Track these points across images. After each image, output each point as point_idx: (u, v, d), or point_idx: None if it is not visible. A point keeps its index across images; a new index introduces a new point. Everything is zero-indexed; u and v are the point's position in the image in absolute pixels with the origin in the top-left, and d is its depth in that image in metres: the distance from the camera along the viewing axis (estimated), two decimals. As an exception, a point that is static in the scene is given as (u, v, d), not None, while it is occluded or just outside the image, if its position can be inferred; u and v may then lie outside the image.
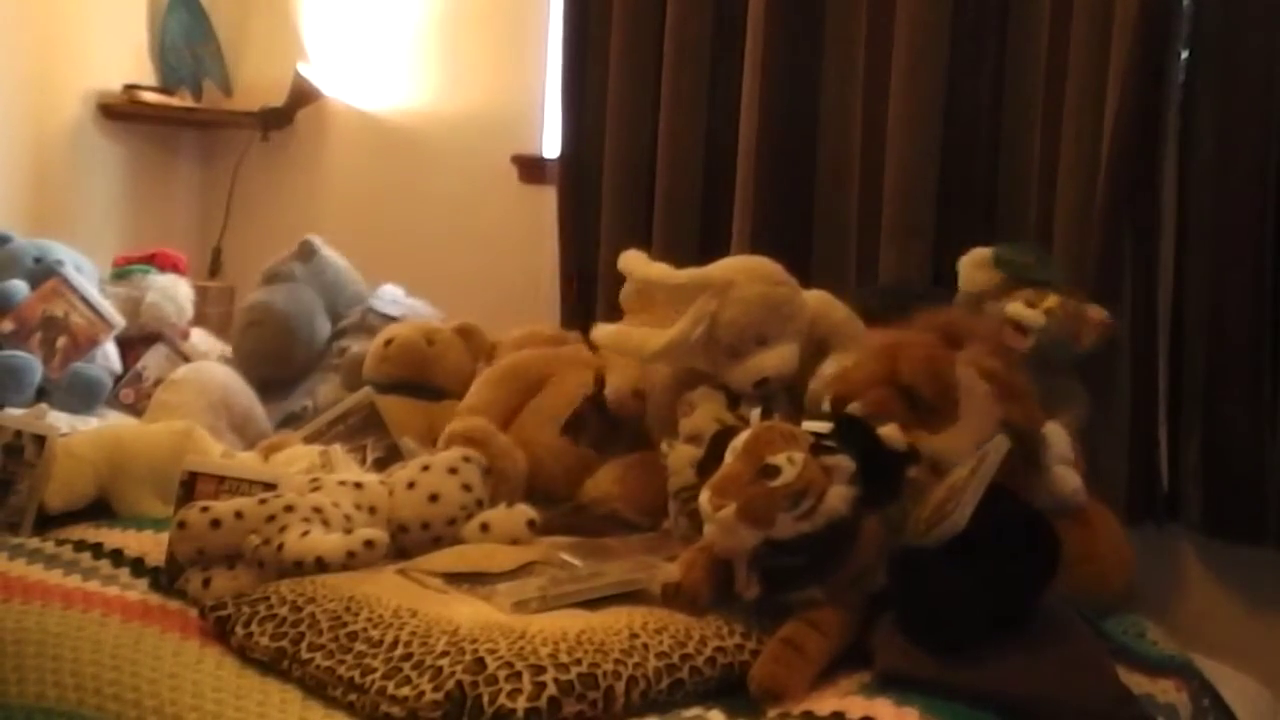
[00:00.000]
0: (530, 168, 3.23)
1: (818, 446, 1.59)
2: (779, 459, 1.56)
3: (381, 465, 2.17)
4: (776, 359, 2.00)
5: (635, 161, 2.83)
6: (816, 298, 2.13)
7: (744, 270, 2.09)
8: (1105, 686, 1.56)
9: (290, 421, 2.69)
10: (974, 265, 2.19)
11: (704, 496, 1.59)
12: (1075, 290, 2.13)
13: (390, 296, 2.95)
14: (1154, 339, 2.24)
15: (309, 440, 2.30)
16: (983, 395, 1.80)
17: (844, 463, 1.57)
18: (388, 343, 2.61)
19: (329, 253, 3.01)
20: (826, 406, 1.85)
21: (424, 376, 2.58)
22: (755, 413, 1.77)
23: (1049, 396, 1.98)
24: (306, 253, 2.96)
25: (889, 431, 1.65)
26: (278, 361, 2.80)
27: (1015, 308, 2.08)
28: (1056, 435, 1.90)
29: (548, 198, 3.05)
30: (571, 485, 2.23)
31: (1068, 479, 1.89)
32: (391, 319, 2.87)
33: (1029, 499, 1.76)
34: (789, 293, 2.07)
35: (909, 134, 2.45)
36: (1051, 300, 2.07)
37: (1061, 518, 1.82)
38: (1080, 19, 2.27)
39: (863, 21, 2.56)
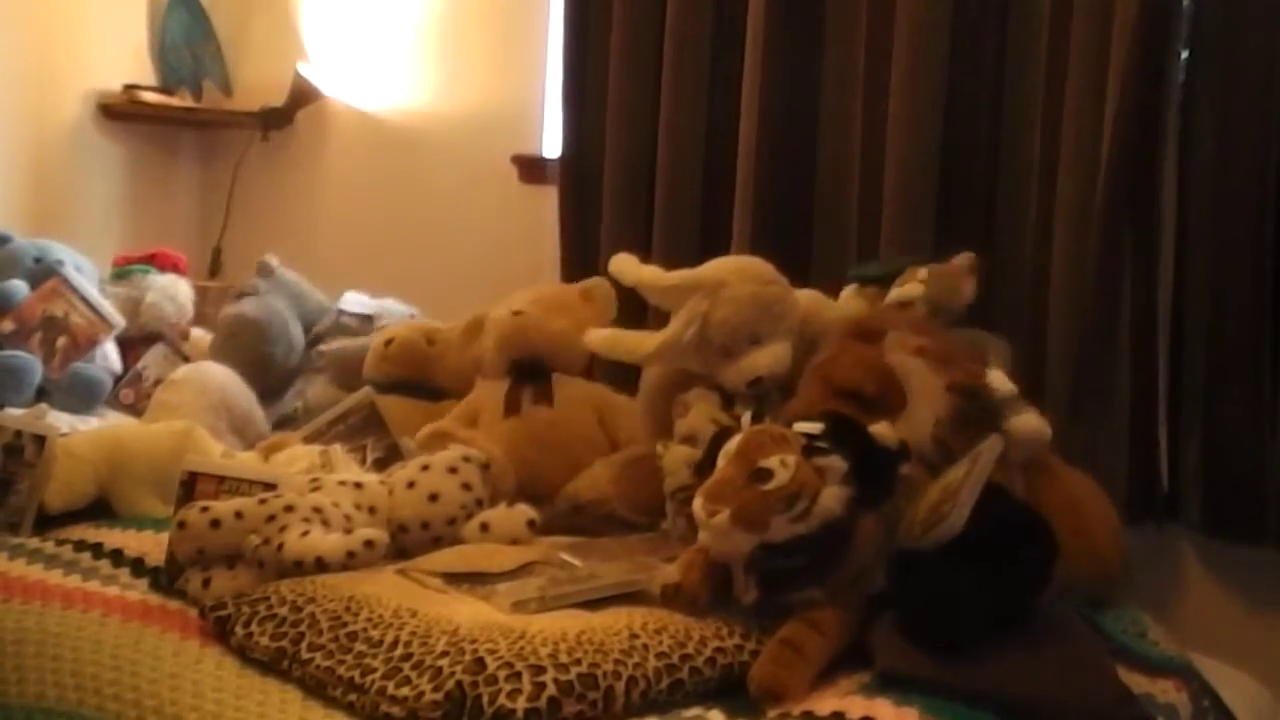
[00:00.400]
0: (530, 168, 3.23)
1: (809, 448, 1.59)
2: (771, 462, 1.56)
3: (381, 465, 2.17)
4: (770, 358, 2.01)
5: (635, 161, 2.84)
6: (808, 297, 2.14)
7: (735, 270, 2.09)
8: (1105, 686, 1.56)
9: (284, 424, 2.70)
10: (846, 299, 2.26)
11: (697, 503, 1.59)
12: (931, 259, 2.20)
13: (356, 299, 2.97)
14: (1154, 339, 2.24)
15: (309, 440, 2.30)
16: (920, 371, 1.81)
17: (836, 463, 1.57)
18: (388, 343, 2.61)
19: (286, 271, 3.05)
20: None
21: (424, 376, 2.58)
22: (746, 416, 1.77)
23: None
24: (265, 270, 3.00)
25: (880, 429, 1.66)
26: (259, 368, 2.81)
27: (895, 293, 2.13)
28: (1000, 382, 1.89)
29: (548, 198, 3.05)
30: (545, 454, 2.25)
31: (1029, 421, 1.87)
32: (365, 317, 2.89)
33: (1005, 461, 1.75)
34: (780, 292, 2.08)
35: (909, 134, 2.45)
36: (920, 272, 2.13)
37: (1038, 475, 1.84)
38: (1080, 19, 2.27)
39: (863, 21, 2.56)
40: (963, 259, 2.19)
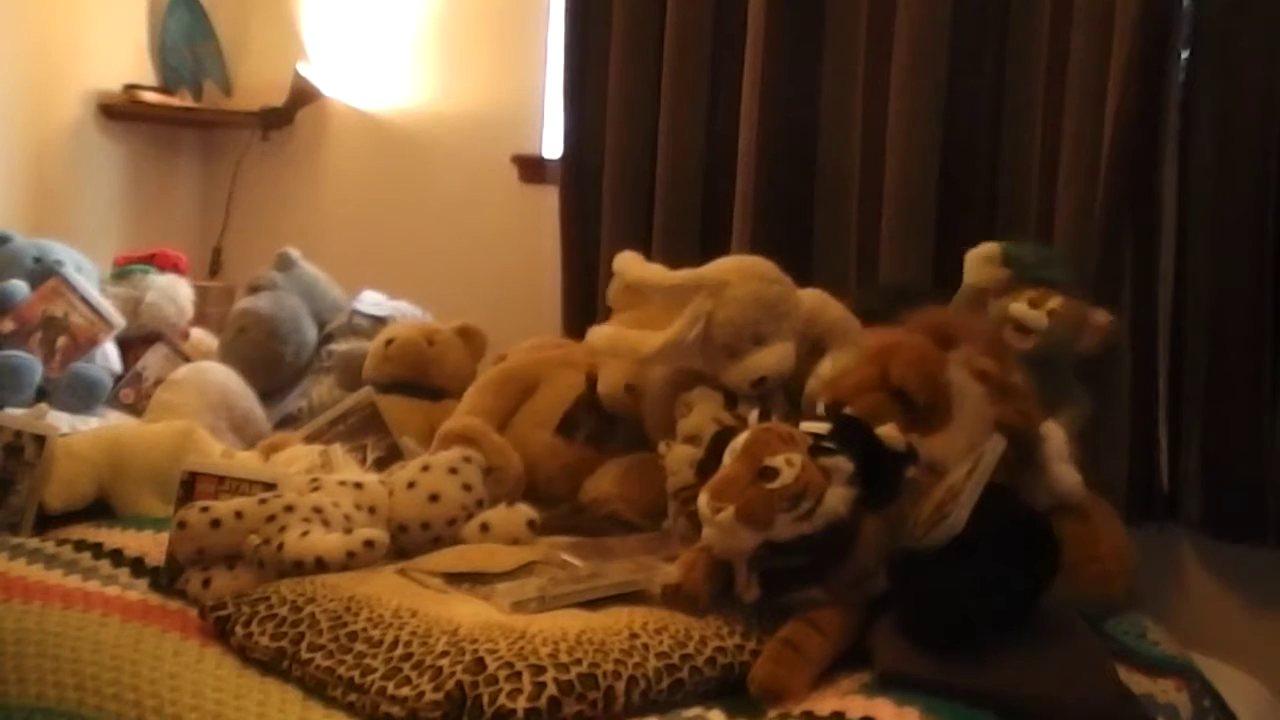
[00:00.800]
0: (530, 168, 3.23)
1: (816, 448, 1.59)
2: (777, 461, 1.56)
3: (381, 465, 2.17)
4: (773, 358, 2.00)
5: (635, 161, 2.84)
6: (812, 296, 2.13)
7: (738, 270, 2.09)
8: (1106, 686, 1.56)
9: (287, 423, 2.70)
10: (981, 260, 2.17)
11: (702, 499, 1.59)
12: (1079, 291, 2.13)
13: (372, 300, 2.97)
14: (1154, 339, 2.24)
15: (309, 440, 2.30)
16: (976, 396, 1.80)
17: (842, 464, 1.57)
18: (388, 343, 2.61)
19: (306, 264, 3.05)
20: (821, 410, 1.85)
21: (424, 376, 2.58)
22: (753, 414, 1.77)
23: (1047, 396, 1.98)
24: (285, 263, 2.99)
25: (887, 431, 1.65)
26: (268, 365, 2.81)
27: (1019, 307, 2.08)
28: (1054, 433, 1.90)
29: (548, 198, 3.05)
30: (569, 485, 2.23)
31: (1066, 476, 1.88)
32: (378, 319, 2.88)
33: (1028, 498, 1.76)
34: (783, 291, 2.07)
35: (909, 134, 2.45)
36: (1055, 301, 2.07)
37: (1062, 516, 1.83)
38: (1080, 19, 2.27)
39: (863, 21, 2.56)
40: (1102, 316, 2.11)
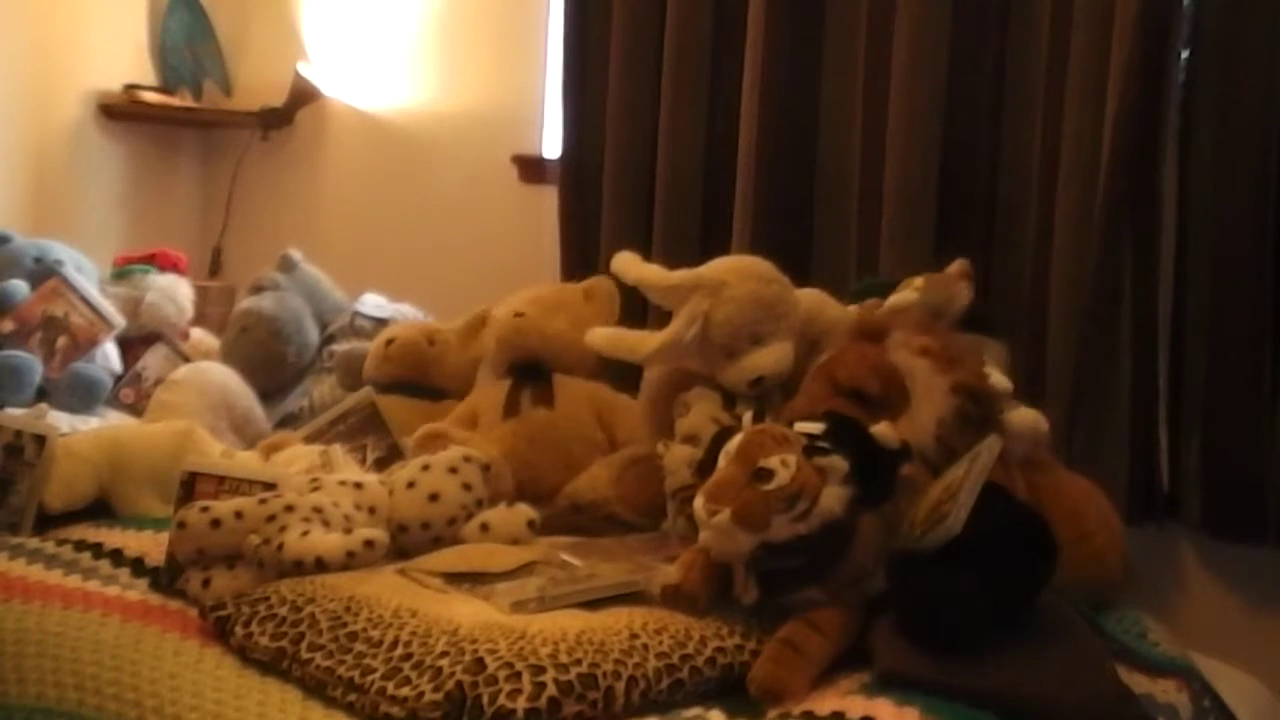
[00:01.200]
0: (530, 168, 3.23)
1: (810, 448, 1.59)
2: (772, 462, 1.56)
3: (381, 465, 2.17)
4: (771, 357, 2.01)
5: (635, 161, 2.84)
6: (810, 296, 2.13)
7: (735, 270, 2.09)
8: (1105, 686, 1.56)
9: (288, 422, 2.70)
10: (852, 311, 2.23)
11: (698, 502, 1.59)
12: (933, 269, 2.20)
13: (374, 302, 2.97)
14: (1154, 339, 2.25)
15: (309, 440, 2.30)
16: (924, 371, 1.80)
17: (837, 463, 1.57)
18: (389, 343, 2.61)
19: (308, 266, 3.06)
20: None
21: (424, 376, 2.58)
22: (747, 415, 1.77)
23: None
24: (288, 265, 3.00)
25: (881, 429, 1.65)
26: (270, 365, 2.81)
27: (891, 299, 2.14)
28: (997, 380, 1.90)
29: (548, 198, 3.05)
30: (539, 455, 2.25)
31: (1024, 416, 1.89)
32: (379, 321, 2.88)
33: (1001, 454, 1.75)
34: (781, 290, 2.07)
35: (909, 134, 2.45)
36: (916, 281, 2.14)
37: (1037, 470, 1.85)
38: (1080, 19, 2.27)
39: (863, 21, 2.56)
40: (956, 265, 2.19)
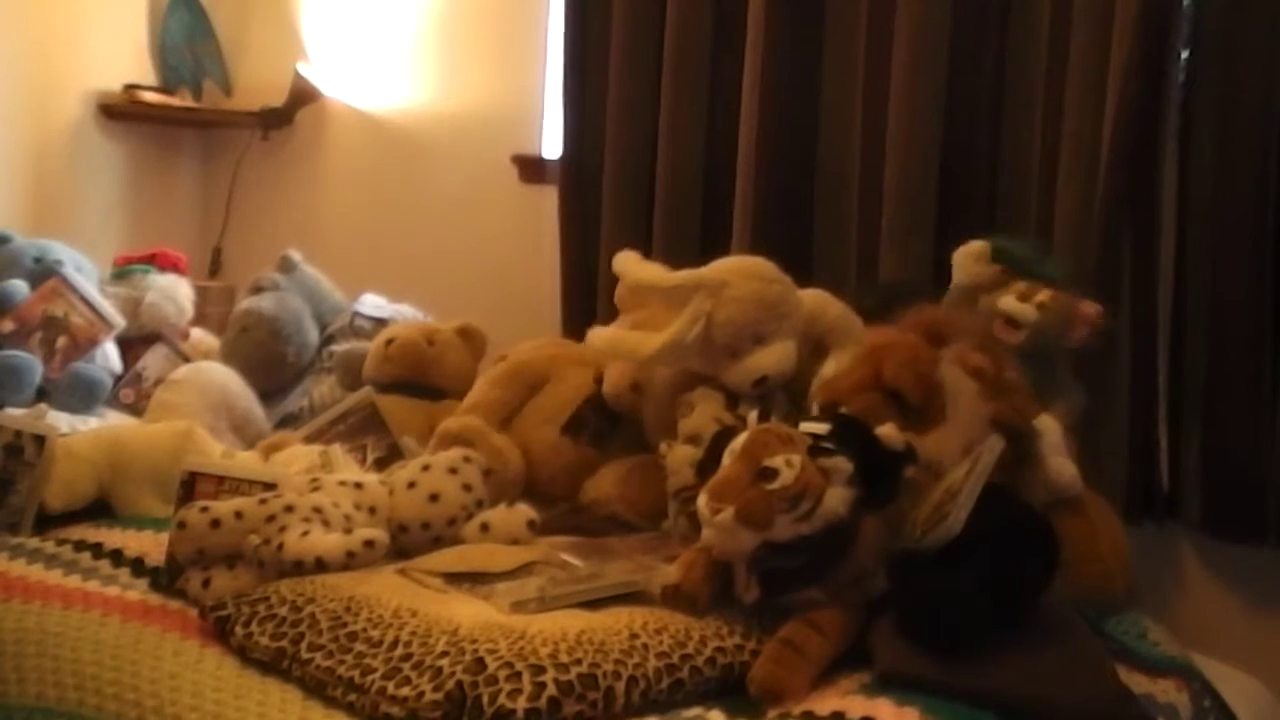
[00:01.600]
0: (530, 168, 3.23)
1: (815, 448, 1.59)
2: (776, 461, 1.56)
3: (381, 465, 2.17)
4: (774, 357, 2.00)
5: (635, 161, 2.84)
6: (812, 296, 2.13)
7: (737, 270, 2.09)
8: (1105, 686, 1.56)
9: (288, 422, 2.70)
10: (970, 258, 2.16)
11: (702, 500, 1.59)
12: (1070, 285, 2.12)
13: (374, 302, 2.98)
14: (1154, 339, 2.24)
15: (309, 440, 2.30)
16: (969, 394, 1.80)
17: (841, 464, 1.57)
18: (389, 342, 2.61)
19: (308, 267, 3.06)
20: (816, 411, 1.85)
21: (424, 376, 2.58)
22: (752, 415, 1.77)
23: (1040, 390, 1.98)
24: (287, 265, 3.00)
25: (886, 431, 1.65)
26: (270, 365, 2.81)
27: (1008, 301, 2.07)
28: (1049, 427, 1.90)
29: (548, 198, 3.05)
30: (572, 484, 2.23)
31: (1063, 470, 1.89)
32: (379, 321, 2.89)
33: (1026, 494, 1.76)
34: (783, 290, 2.07)
35: (909, 134, 2.45)
36: (1044, 295, 2.07)
37: (1061, 512, 1.83)
38: (1080, 19, 2.27)
39: (863, 21, 2.56)
40: (1091, 308, 2.09)
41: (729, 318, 2.01)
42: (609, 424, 2.28)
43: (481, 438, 2.19)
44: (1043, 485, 1.85)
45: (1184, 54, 2.23)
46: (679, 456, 1.95)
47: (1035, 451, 1.85)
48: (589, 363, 2.35)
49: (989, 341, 1.97)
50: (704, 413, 2.00)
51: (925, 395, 1.80)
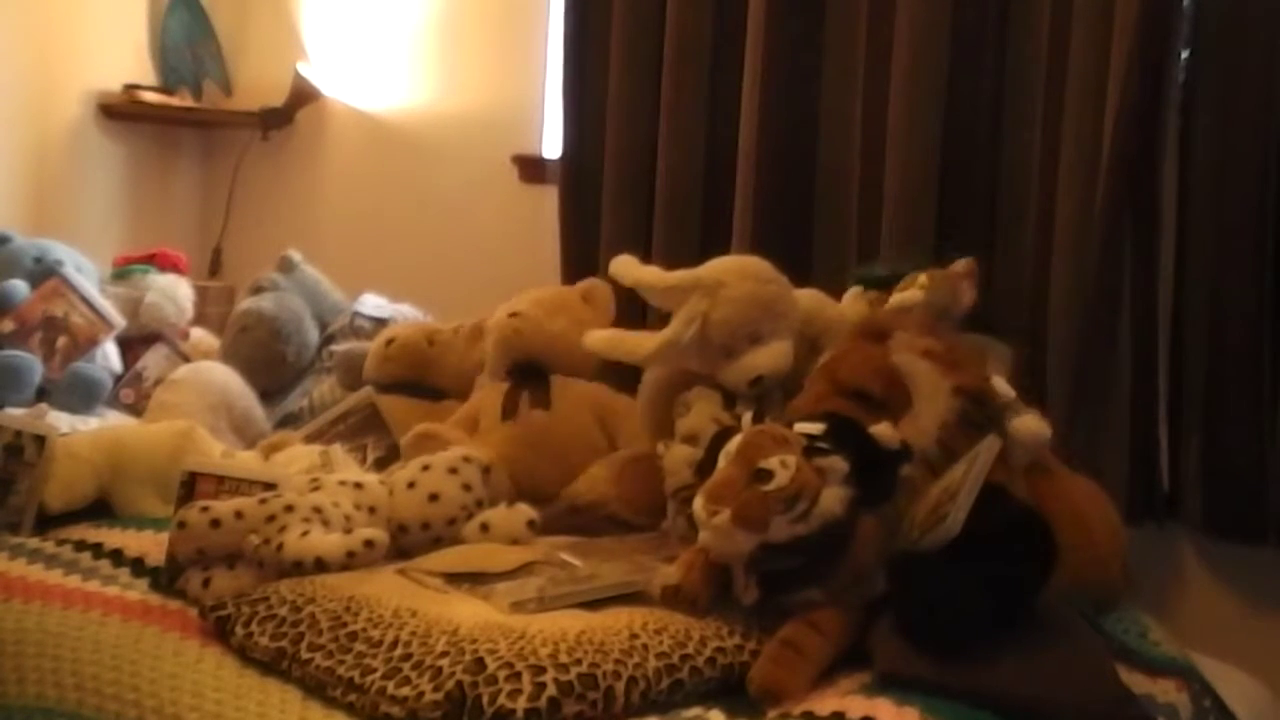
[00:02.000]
0: (530, 168, 3.23)
1: (810, 448, 1.59)
2: (772, 463, 1.56)
3: (381, 465, 2.17)
4: (770, 357, 2.01)
5: (635, 161, 2.83)
6: (808, 296, 2.13)
7: (733, 270, 2.09)
8: (1105, 686, 1.56)
9: (288, 422, 2.71)
10: (850, 301, 2.25)
11: (698, 503, 1.59)
12: (935, 264, 2.18)
13: (374, 303, 2.98)
14: (1154, 339, 2.24)
15: (309, 439, 2.30)
16: (927, 372, 1.80)
17: (837, 464, 1.57)
18: (389, 342, 2.62)
19: (308, 267, 3.07)
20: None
21: (425, 376, 2.58)
22: (747, 416, 1.77)
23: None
24: (287, 265, 3.01)
25: (881, 430, 1.65)
26: (270, 365, 2.82)
27: (895, 299, 2.12)
28: (1003, 388, 1.89)
29: (548, 198, 3.05)
30: (539, 463, 2.25)
31: (1029, 424, 1.88)
32: (379, 321, 2.89)
33: (1002, 458, 1.75)
34: (779, 290, 2.07)
35: (909, 134, 2.45)
36: (920, 278, 2.13)
37: (1039, 475, 1.84)
38: (1080, 19, 2.27)
39: (863, 21, 2.56)
40: (961, 264, 2.17)
41: (725, 318, 2.01)
42: (535, 382, 2.32)
43: (444, 437, 2.20)
44: (1017, 445, 1.84)
45: (1184, 54, 2.22)
46: (676, 456, 1.95)
47: (1000, 413, 1.84)
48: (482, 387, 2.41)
49: (928, 323, 1.98)
50: (701, 412, 2.00)
51: (886, 385, 1.81)
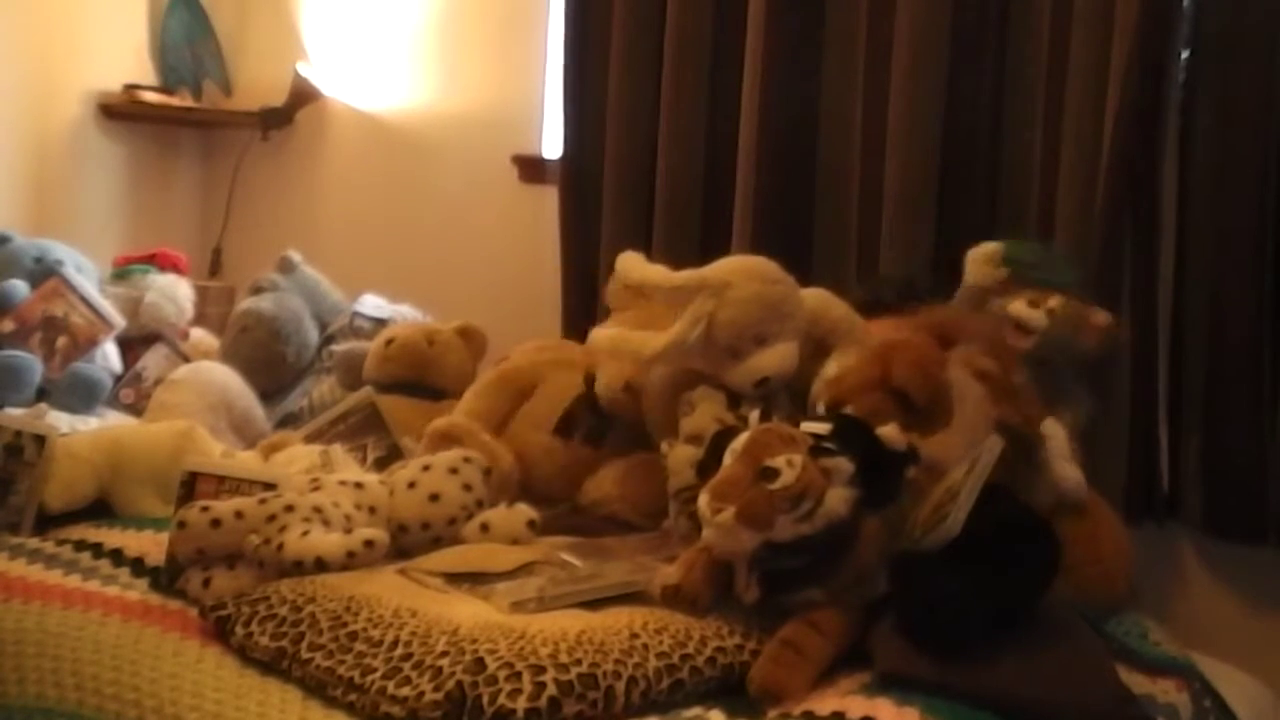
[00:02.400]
0: (530, 168, 3.23)
1: (817, 448, 1.59)
2: (778, 461, 1.56)
3: (381, 465, 2.17)
4: (776, 358, 2.00)
5: (635, 161, 2.83)
6: (815, 296, 2.12)
7: (740, 270, 2.08)
8: (1105, 687, 1.56)
9: (288, 422, 2.70)
10: (982, 260, 2.16)
11: (703, 500, 1.59)
12: (1080, 292, 2.12)
13: (373, 303, 2.98)
14: (1154, 338, 2.24)
15: (309, 439, 2.30)
16: (976, 397, 1.79)
17: (843, 464, 1.57)
18: (388, 342, 2.62)
19: (307, 268, 3.07)
20: (821, 410, 1.85)
21: (424, 376, 2.59)
22: (754, 414, 1.77)
23: (1047, 396, 1.97)
24: (287, 266, 3.01)
25: (888, 432, 1.65)
26: (270, 365, 2.82)
27: (1018, 307, 2.07)
28: (1055, 432, 1.89)
29: (548, 198, 3.05)
30: (567, 485, 2.23)
31: (1068, 475, 1.88)
32: (379, 322, 2.89)
33: (1030, 498, 1.76)
34: (786, 291, 2.06)
35: (909, 134, 2.45)
36: (1054, 301, 2.06)
37: (1065, 515, 1.83)
38: (1080, 19, 2.27)
39: (863, 21, 2.56)
40: (1101, 317, 2.09)
41: (731, 318, 2.01)
42: (602, 422, 2.27)
43: (470, 435, 2.19)
44: (1048, 490, 1.84)
45: (1184, 54, 2.22)
46: (680, 456, 1.95)
47: (1041, 456, 1.84)
48: (578, 365, 2.35)
49: (997, 345, 1.96)
50: (705, 412, 1.99)
51: (932, 397, 1.80)
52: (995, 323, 2.07)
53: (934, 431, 1.76)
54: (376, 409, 2.34)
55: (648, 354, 2.06)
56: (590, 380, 2.26)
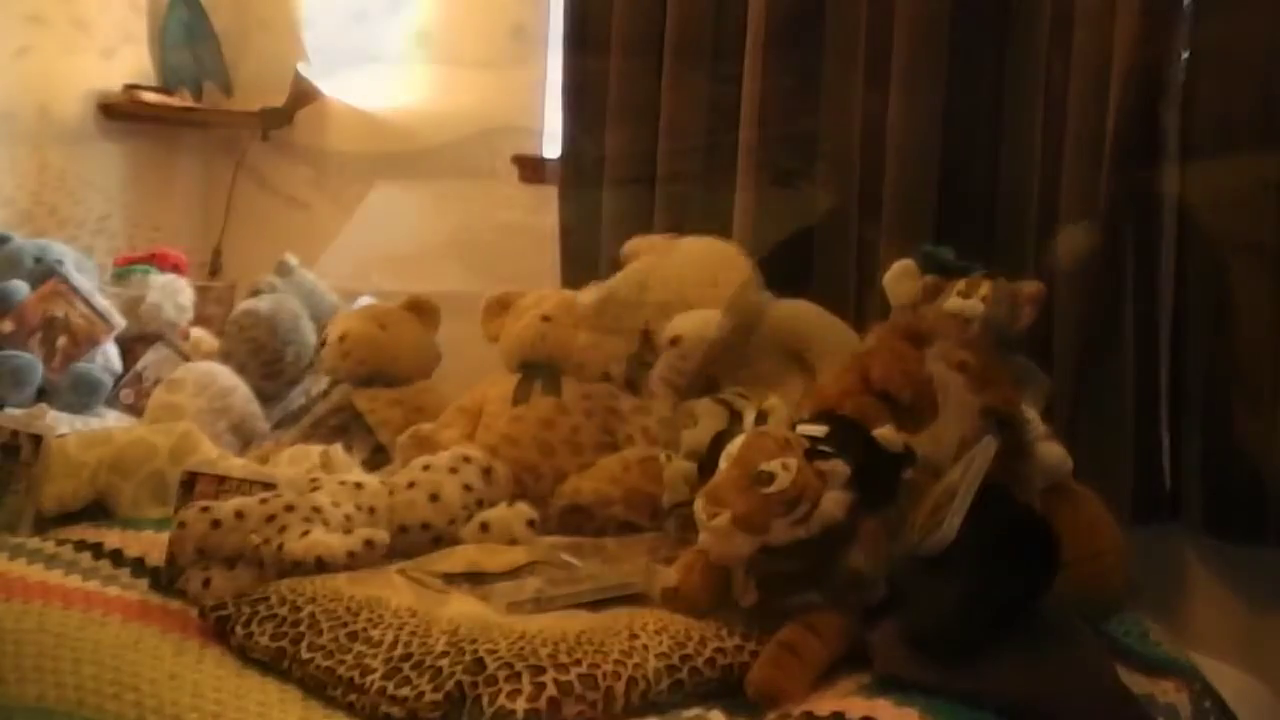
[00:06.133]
0: (530, 168, 3.23)
1: (812, 451, 1.58)
2: (773, 465, 1.56)
3: (367, 465, 2.17)
4: (695, 320, 2.10)
5: (635, 161, 2.83)
6: (786, 306, 2.15)
7: (693, 241, 2.22)
8: (1105, 688, 1.56)
9: (287, 422, 2.70)
10: (899, 277, 2.21)
11: (699, 504, 1.59)
12: (1001, 273, 2.15)
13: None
14: (1155, 339, 2.24)
15: (293, 444, 2.30)
16: (957, 387, 1.80)
17: (839, 467, 1.57)
18: (342, 338, 2.60)
19: (305, 271, 3.07)
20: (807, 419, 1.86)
21: (386, 364, 2.59)
22: (749, 417, 1.77)
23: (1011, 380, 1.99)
24: (284, 269, 3.02)
25: (885, 433, 1.65)
26: (268, 366, 2.82)
27: (953, 303, 2.10)
28: (1029, 414, 1.90)
29: (548, 198, 3.05)
30: (545, 448, 2.27)
31: (1051, 452, 1.89)
32: None
33: (1021, 483, 1.76)
34: (730, 267, 2.15)
35: (909, 134, 2.44)
36: (984, 286, 2.10)
37: (1058, 502, 1.84)
38: (1080, 18, 2.27)
39: (863, 21, 2.56)
40: (1031, 287, 2.13)
41: (665, 277, 2.13)
42: (553, 374, 2.35)
43: (435, 438, 2.21)
44: (1037, 471, 1.85)
45: (1184, 54, 2.22)
46: (675, 471, 1.95)
47: (1025, 439, 1.85)
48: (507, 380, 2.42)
49: (971, 337, 1.98)
50: (707, 429, 2.00)
51: (915, 393, 1.80)
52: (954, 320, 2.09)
53: (923, 427, 1.76)
54: (355, 409, 2.35)
55: (583, 302, 2.20)
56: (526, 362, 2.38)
